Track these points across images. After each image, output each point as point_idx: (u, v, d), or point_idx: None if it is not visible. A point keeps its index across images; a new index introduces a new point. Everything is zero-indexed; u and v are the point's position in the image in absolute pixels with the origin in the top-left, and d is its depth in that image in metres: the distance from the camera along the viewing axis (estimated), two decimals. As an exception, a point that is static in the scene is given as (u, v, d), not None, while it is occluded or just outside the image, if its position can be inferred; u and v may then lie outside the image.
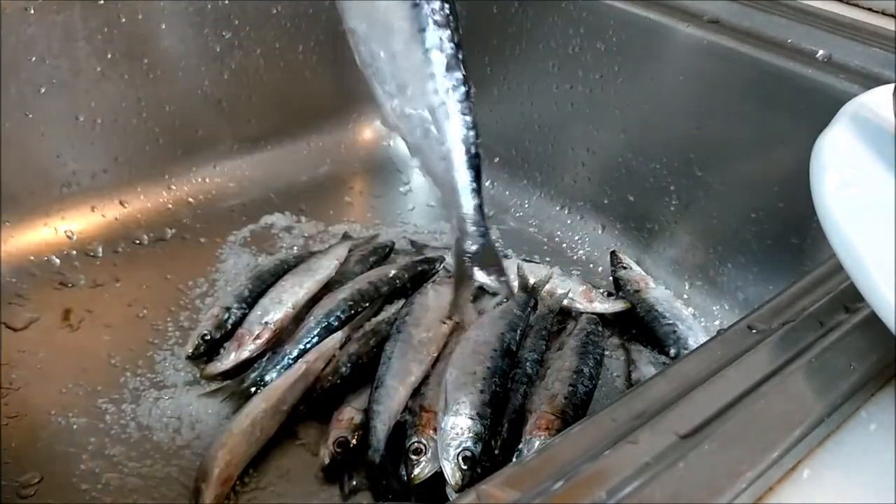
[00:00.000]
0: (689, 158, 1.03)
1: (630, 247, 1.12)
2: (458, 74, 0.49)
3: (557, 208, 1.20)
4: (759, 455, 0.40)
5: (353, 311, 0.97)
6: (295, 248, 1.15)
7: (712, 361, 0.47)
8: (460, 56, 0.49)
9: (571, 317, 1.02)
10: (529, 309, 0.98)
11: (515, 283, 1.03)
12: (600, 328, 0.98)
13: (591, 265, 1.14)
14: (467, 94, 0.50)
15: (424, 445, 0.80)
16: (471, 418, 0.81)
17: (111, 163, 1.15)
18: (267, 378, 0.90)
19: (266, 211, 1.21)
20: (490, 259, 0.59)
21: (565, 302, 1.02)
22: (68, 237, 1.10)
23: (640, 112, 1.08)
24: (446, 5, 0.47)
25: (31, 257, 1.07)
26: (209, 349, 0.95)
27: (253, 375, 0.91)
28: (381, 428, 0.83)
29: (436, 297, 0.98)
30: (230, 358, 0.93)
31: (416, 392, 0.87)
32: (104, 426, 0.86)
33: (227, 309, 0.99)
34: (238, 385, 0.91)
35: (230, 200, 1.23)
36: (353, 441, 0.83)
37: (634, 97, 1.08)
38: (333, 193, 1.27)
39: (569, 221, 1.19)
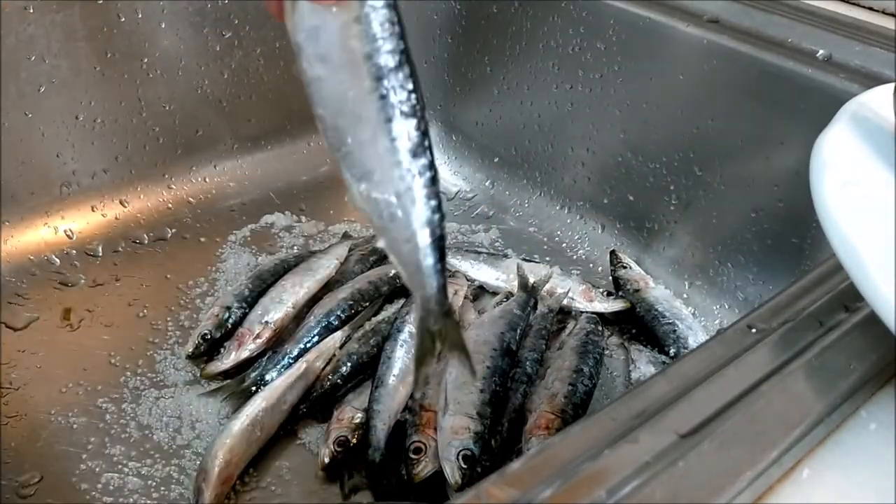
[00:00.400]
0: (689, 158, 1.03)
1: (630, 246, 1.12)
2: (424, 161, 0.51)
3: (557, 208, 1.20)
4: (759, 454, 0.40)
5: (353, 311, 0.97)
6: (295, 247, 1.15)
7: (712, 361, 0.47)
8: (426, 143, 0.50)
9: (571, 316, 1.02)
10: (529, 308, 0.98)
11: (515, 283, 1.03)
12: (600, 327, 0.98)
13: (591, 265, 1.14)
14: (433, 179, 0.52)
15: (424, 444, 0.81)
16: (471, 418, 0.81)
17: (111, 162, 1.15)
18: (267, 377, 0.90)
19: (266, 210, 1.21)
20: (454, 338, 0.61)
21: (565, 301, 1.02)
22: (68, 237, 1.11)
23: (640, 111, 1.08)
24: (413, 95, 0.49)
25: (31, 257, 1.07)
26: (209, 348, 0.95)
27: (253, 375, 0.91)
28: (382, 427, 0.83)
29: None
30: (230, 357, 0.93)
31: (417, 392, 0.86)
32: (104, 426, 0.86)
33: (228, 308, 0.99)
34: (238, 384, 0.91)
35: (230, 200, 1.23)
36: (354, 440, 0.83)
37: (634, 97, 1.08)
38: (333, 193, 1.26)
39: (568, 221, 1.19)
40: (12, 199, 1.08)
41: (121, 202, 1.16)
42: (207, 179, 1.23)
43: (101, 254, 1.10)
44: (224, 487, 0.79)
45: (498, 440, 0.82)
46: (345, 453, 0.82)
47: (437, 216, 0.53)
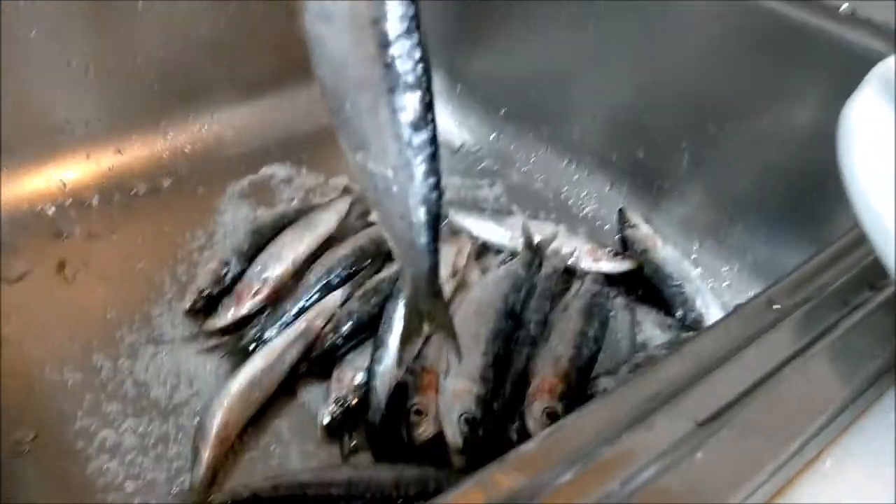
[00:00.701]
0: (702, 115, 1.00)
1: (638, 205, 1.09)
2: (425, 135, 0.47)
3: (564, 163, 1.17)
4: (780, 445, 0.38)
5: (354, 269, 0.95)
6: (295, 200, 1.12)
7: (730, 340, 0.45)
8: (430, 117, 0.47)
9: (577, 276, 0.99)
10: (534, 268, 0.96)
11: (520, 241, 1.00)
12: (606, 289, 0.96)
13: (598, 223, 1.11)
14: (433, 155, 0.49)
15: (426, 407, 0.79)
16: (473, 381, 0.79)
17: (106, 110, 1.12)
18: (266, 335, 0.88)
19: (265, 161, 1.18)
20: (441, 318, 0.59)
21: (571, 261, 1.00)
22: (62, 187, 1.08)
23: (653, 66, 1.04)
24: (419, 66, 0.45)
25: (25, 207, 1.04)
26: (207, 304, 0.93)
27: (252, 332, 0.89)
28: (382, 388, 0.82)
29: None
30: (229, 314, 0.92)
31: (418, 353, 0.85)
32: (99, 382, 0.85)
33: (226, 263, 0.97)
34: (237, 342, 0.89)
35: (228, 150, 1.20)
36: (354, 401, 0.82)
37: (648, 51, 1.04)
38: (334, 144, 1.21)
39: (576, 177, 1.16)
40: (6, 147, 1.04)
41: (116, 151, 1.12)
42: (205, 129, 1.19)
43: (96, 204, 1.07)
44: (222, 447, 0.78)
45: (500, 403, 0.81)
46: (345, 414, 0.81)
47: (434, 194, 0.50)
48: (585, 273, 0.99)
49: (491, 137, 1.25)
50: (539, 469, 0.37)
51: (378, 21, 0.43)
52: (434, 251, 0.53)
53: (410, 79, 0.45)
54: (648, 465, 0.37)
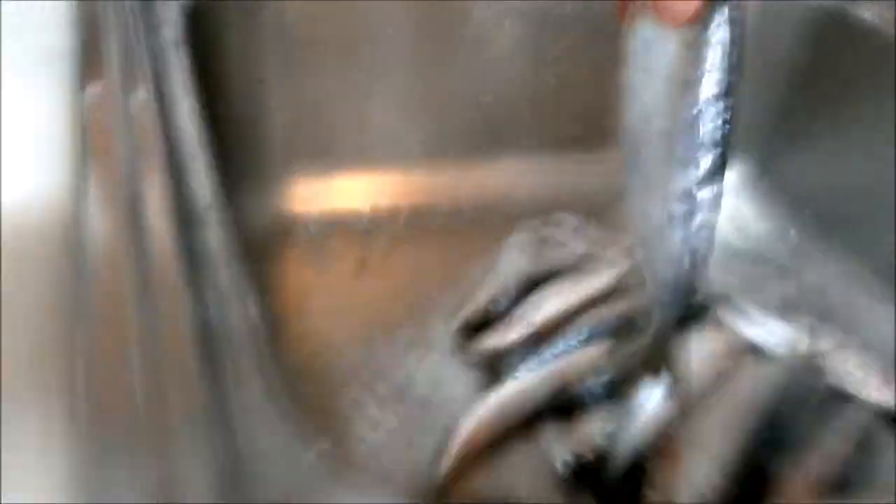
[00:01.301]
0: None
1: (940, 343, 0.99)
2: (708, 194, 0.50)
3: (865, 280, 1.10)
4: None
5: (620, 329, 0.97)
6: (576, 253, 1.16)
7: None
8: (717, 178, 0.50)
9: (851, 400, 0.93)
10: (805, 379, 0.91)
11: (793, 346, 0.96)
12: (880, 419, 0.89)
13: (890, 351, 1.02)
14: (711, 213, 0.51)
15: (663, 484, 0.79)
16: (716, 469, 0.78)
17: (422, 140, 1.24)
18: (521, 370, 0.93)
19: (554, 212, 1.23)
20: (672, 368, 0.59)
21: (850, 381, 0.93)
22: (376, 199, 1.22)
23: None
24: (720, 130, 0.48)
25: (345, 204, 1.20)
26: (475, 329, 1.01)
27: (509, 364, 0.95)
28: (622, 454, 0.82)
29: (699, 341, 0.94)
30: (491, 342, 0.98)
31: (664, 429, 0.84)
32: (375, 366, 0.95)
33: (497, 297, 1.04)
34: (494, 369, 0.95)
35: (522, 195, 1.27)
36: (591, 458, 0.84)
37: None
38: (623, 207, 1.26)
39: (875, 296, 1.08)
40: (339, 155, 1.22)
41: (426, 177, 1.25)
42: (507, 171, 1.28)
43: (403, 218, 1.20)
44: (467, 451, 0.84)
45: (738, 498, 0.78)
46: (579, 467, 0.83)
47: (702, 249, 0.52)
48: (862, 399, 0.92)
49: (788, 235, 1.20)
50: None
51: (693, 83, 0.47)
52: (685, 300, 0.54)
53: (709, 139, 0.48)
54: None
